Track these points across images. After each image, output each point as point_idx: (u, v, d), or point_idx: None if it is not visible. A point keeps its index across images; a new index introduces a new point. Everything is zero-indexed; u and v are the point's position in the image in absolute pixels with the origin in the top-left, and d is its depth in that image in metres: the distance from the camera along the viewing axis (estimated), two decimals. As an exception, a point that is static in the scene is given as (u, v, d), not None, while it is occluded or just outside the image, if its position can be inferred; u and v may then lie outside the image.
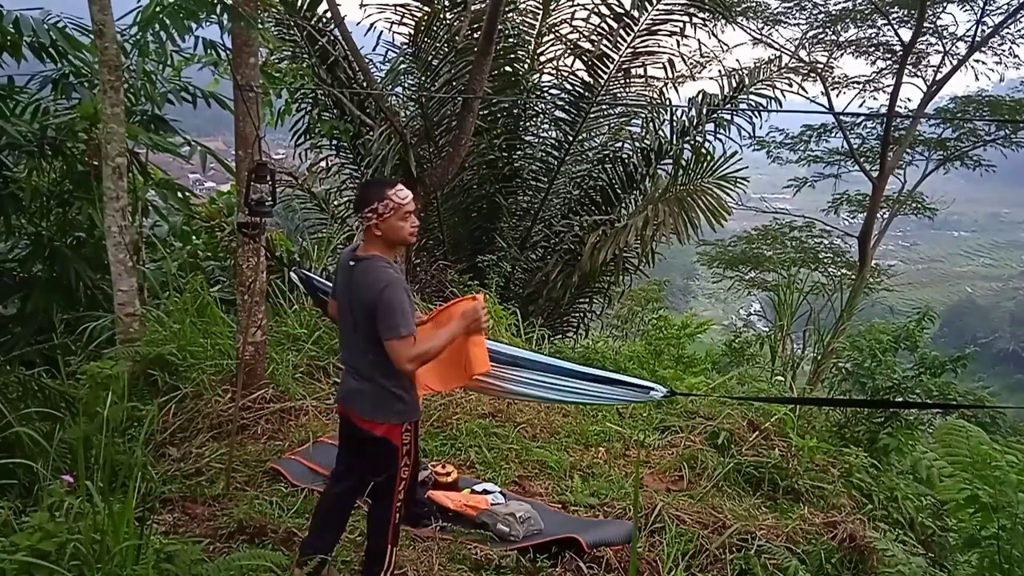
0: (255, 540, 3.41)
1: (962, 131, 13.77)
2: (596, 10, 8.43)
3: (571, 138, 8.62)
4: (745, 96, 8.59)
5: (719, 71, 11.21)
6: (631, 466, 4.46)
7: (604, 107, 8.90)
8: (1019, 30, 12.46)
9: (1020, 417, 5.90)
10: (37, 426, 3.71)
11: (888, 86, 13.60)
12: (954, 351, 5.35)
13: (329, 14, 7.43)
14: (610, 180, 8.57)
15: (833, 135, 14.65)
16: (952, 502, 2.95)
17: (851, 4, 12.88)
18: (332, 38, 7.58)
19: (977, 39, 12.29)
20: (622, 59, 8.43)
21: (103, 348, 4.69)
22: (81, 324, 5.05)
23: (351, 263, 2.84)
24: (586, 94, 8.57)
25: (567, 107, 8.76)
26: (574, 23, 8.68)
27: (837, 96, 14.32)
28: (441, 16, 7.98)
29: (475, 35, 7.53)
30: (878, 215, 13.43)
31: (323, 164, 8.92)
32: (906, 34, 12.54)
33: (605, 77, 8.48)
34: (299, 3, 7.50)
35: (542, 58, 8.89)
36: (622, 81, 8.66)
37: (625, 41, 8.33)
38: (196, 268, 6.16)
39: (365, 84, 7.40)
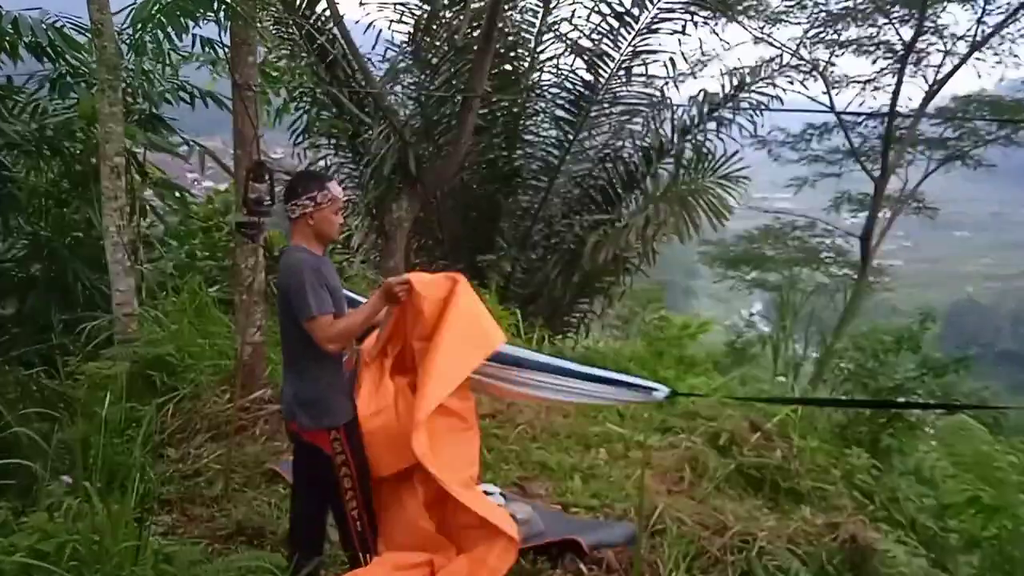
0: (253, 541, 3.40)
1: (963, 130, 13.75)
2: (596, 8, 8.41)
3: (571, 137, 8.60)
4: (746, 95, 8.57)
5: (720, 70, 11.22)
6: (632, 467, 4.44)
7: (605, 106, 8.87)
8: (1019, 30, 12.43)
9: (1022, 418, 5.88)
10: (36, 426, 3.70)
11: (889, 85, 13.58)
12: (956, 351, 5.35)
13: (328, 12, 7.42)
14: (611, 179, 8.55)
15: (835, 134, 14.62)
16: (954, 503, 2.94)
17: (852, 3, 12.85)
18: (331, 36, 7.57)
19: (978, 39, 12.27)
20: (623, 58, 8.41)
21: (101, 348, 4.67)
22: (79, 324, 5.04)
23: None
24: (586, 93, 8.54)
25: (567, 106, 8.74)
26: (574, 21, 8.66)
27: (838, 95, 14.30)
28: (441, 14, 7.96)
29: (475, 33, 7.51)
30: (880, 214, 13.40)
31: (322, 163, 8.91)
32: (907, 33, 12.52)
33: (606, 76, 8.46)
34: (298, 1, 7.48)
35: (542, 57, 8.86)
36: (623, 80, 8.63)
37: (626, 40, 8.31)
38: (194, 268, 6.15)
39: (364, 83, 7.38)
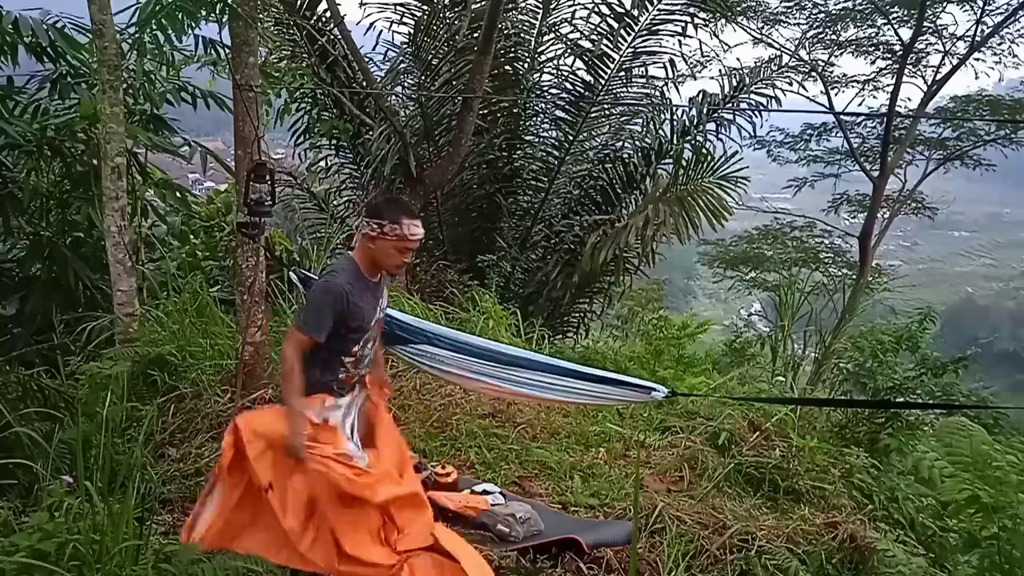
0: (254, 541, 3.40)
1: (962, 131, 13.76)
2: (596, 10, 8.43)
3: (571, 138, 8.61)
4: (746, 95, 8.58)
5: (719, 70, 11.21)
6: (631, 466, 4.45)
7: (604, 107, 8.89)
8: (1018, 30, 12.44)
9: (1021, 418, 5.89)
10: (37, 426, 3.70)
11: (888, 85, 13.59)
12: (954, 351, 5.35)
13: (329, 13, 7.43)
14: (610, 180, 8.56)
15: (833, 135, 14.63)
16: (953, 502, 2.95)
17: (851, 4, 12.87)
18: (332, 37, 7.58)
19: (977, 39, 12.28)
20: (623, 59, 8.42)
21: (102, 348, 4.68)
22: (80, 324, 5.04)
23: None
24: (586, 94, 8.56)
25: (567, 107, 8.75)
26: (574, 22, 8.67)
27: (837, 95, 14.32)
28: (441, 15, 7.97)
29: (475, 34, 7.52)
30: (879, 215, 13.42)
31: (322, 164, 8.92)
32: (906, 34, 12.53)
33: (606, 77, 8.47)
34: (298, 2, 7.49)
35: (542, 57, 8.88)
36: (623, 80, 8.65)
37: (626, 41, 8.32)
38: (195, 268, 6.16)
39: (364, 83, 7.39)
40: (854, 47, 13.50)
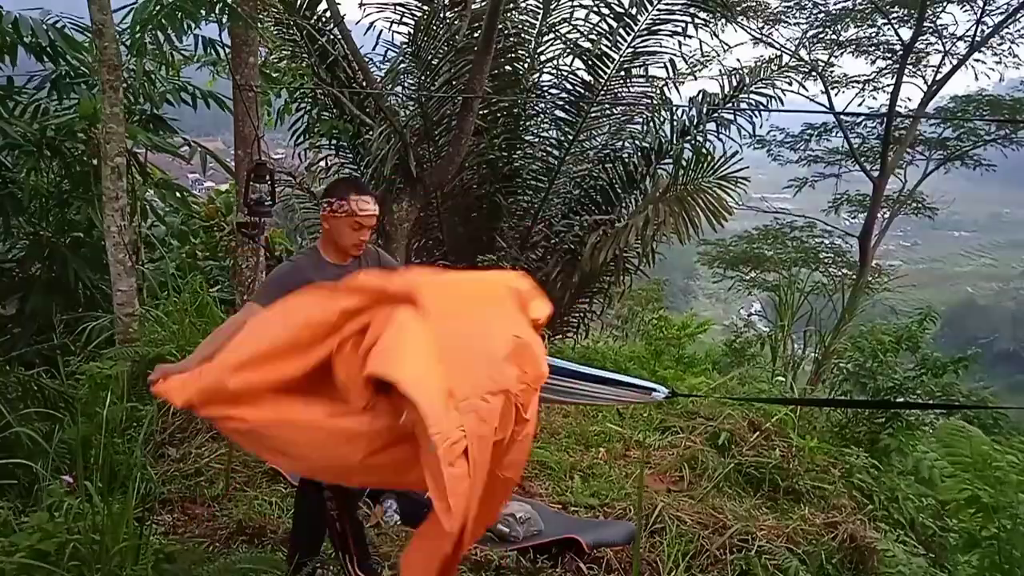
0: (254, 541, 3.41)
1: (962, 131, 13.76)
2: (596, 9, 8.42)
3: (571, 138, 8.61)
4: (746, 95, 8.57)
5: (719, 70, 11.23)
6: (631, 466, 4.46)
7: (604, 107, 8.88)
8: (1019, 30, 12.45)
9: (1021, 418, 5.89)
10: (37, 426, 3.70)
11: (888, 85, 13.60)
12: (954, 351, 5.35)
13: (328, 13, 7.42)
14: (610, 180, 8.55)
15: (833, 134, 14.63)
16: (953, 502, 2.95)
17: (851, 3, 12.87)
18: (331, 37, 7.57)
19: (977, 39, 12.28)
20: (622, 59, 8.42)
21: (102, 348, 4.68)
22: (80, 324, 5.04)
23: None
24: (586, 94, 8.56)
25: (567, 107, 8.75)
26: (574, 22, 8.66)
27: (837, 95, 14.33)
28: (441, 15, 7.97)
29: (475, 34, 7.52)
30: (879, 215, 13.42)
31: (322, 164, 8.91)
32: (906, 34, 12.53)
33: (605, 77, 8.47)
34: (298, 2, 7.48)
35: (542, 57, 8.88)
36: (623, 80, 8.64)
37: (625, 41, 8.32)
38: (195, 268, 6.16)
39: (364, 83, 7.39)
40: (854, 47, 13.50)
